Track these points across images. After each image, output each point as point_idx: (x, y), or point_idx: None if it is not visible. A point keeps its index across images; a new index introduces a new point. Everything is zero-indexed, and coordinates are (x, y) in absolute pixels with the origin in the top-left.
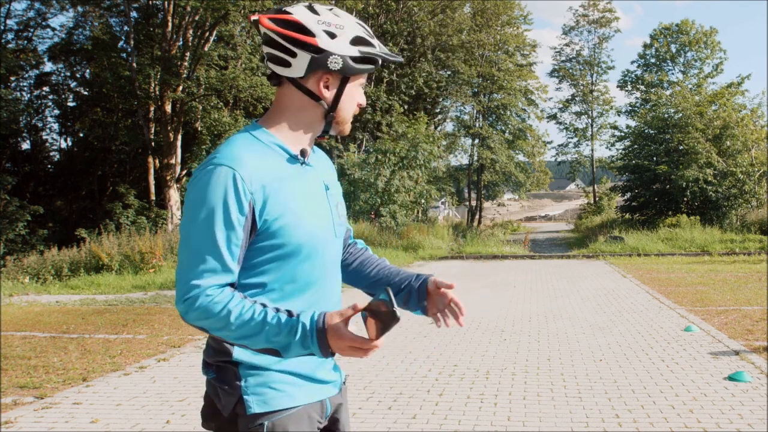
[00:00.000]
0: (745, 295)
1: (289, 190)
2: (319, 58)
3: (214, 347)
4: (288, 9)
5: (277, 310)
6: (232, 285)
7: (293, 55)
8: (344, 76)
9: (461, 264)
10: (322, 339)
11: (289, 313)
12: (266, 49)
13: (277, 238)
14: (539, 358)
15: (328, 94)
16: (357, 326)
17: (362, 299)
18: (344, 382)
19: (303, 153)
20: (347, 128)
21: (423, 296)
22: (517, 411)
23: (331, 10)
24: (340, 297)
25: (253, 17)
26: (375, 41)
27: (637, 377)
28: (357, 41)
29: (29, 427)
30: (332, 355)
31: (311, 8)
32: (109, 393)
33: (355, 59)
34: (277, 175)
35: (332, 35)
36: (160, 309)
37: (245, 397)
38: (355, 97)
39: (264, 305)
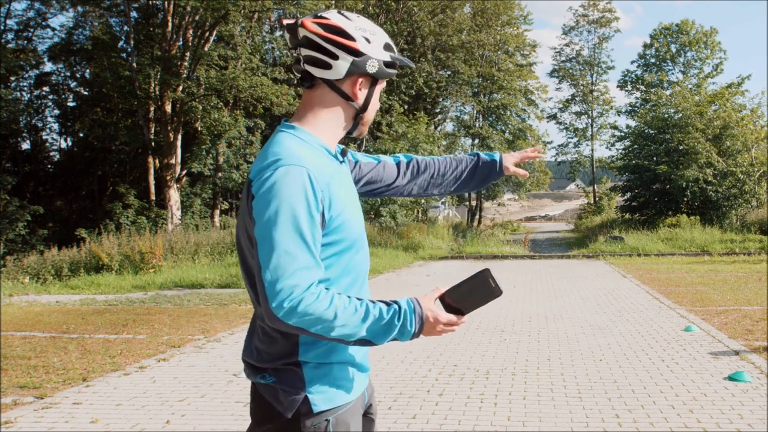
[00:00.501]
0: (745, 295)
1: (339, 187)
2: (359, 61)
3: (269, 351)
4: (325, 14)
5: (372, 301)
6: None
7: (335, 57)
8: (374, 79)
9: (461, 264)
10: (421, 322)
11: (385, 302)
12: (305, 52)
13: (338, 233)
14: (539, 358)
15: (361, 96)
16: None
17: (431, 285)
18: None
19: (343, 153)
20: (366, 130)
21: (501, 169)
22: (517, 411)
23: (359, 17)
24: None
25: (286, 21)
26: (395, 50)
27: (637, 377)
28: (387, 47)
29: (29, 427)
30: (417, 337)
31: (342, 14)
32: (109, 393)
33: (386, 64)
34: (331, 174)
35: (368, 40)
36: (160, 309)
37: (310, 396)
38: (377, 99)
39: (359, 299)
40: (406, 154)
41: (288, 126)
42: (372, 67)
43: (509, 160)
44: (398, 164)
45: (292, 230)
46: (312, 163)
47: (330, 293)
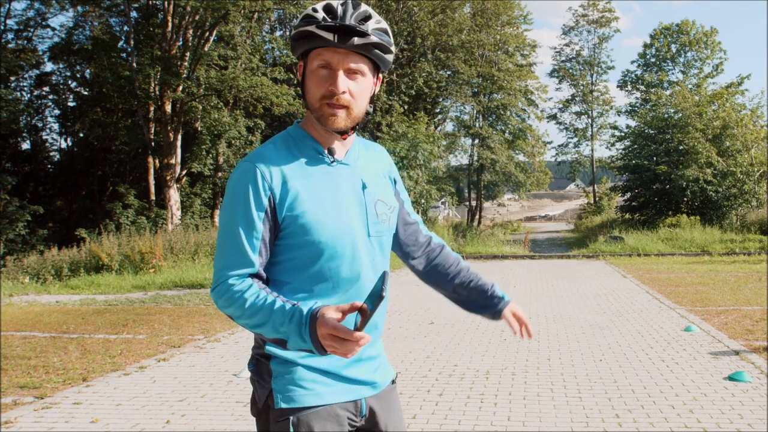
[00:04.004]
0: (745, 295)
1: (314, 188)
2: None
3: (256, 340)
4: None
5: (286, 300)
6: (256, 275)
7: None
8: (304, 59)
9: None
10: (314, 328)
11: (294, 304)
12: None
13: (300, 235)
14: (539, 358)
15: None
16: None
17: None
18: (393, 381)
19: (330, 151)
20: (326, 119)
21: (498, 318)
22: (517, 411)
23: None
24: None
25: None
26: (322, 15)
27: (637, 377)
28: (302, 20)
29: (29, 427)
30: (324, 350)
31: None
32: (109, 393)
33: (293, 38)
34: (304, 173)
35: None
36: (160, 309)
37: (274, 392)
38: (314, 79)
39: (276, 296)
40: (438, 238)
41: (294, 123)
42: (291, 49)
43: (512, 308)
44: (429, 240)
45: (230, 224)
46: (275, 161)
47: (247, 285)
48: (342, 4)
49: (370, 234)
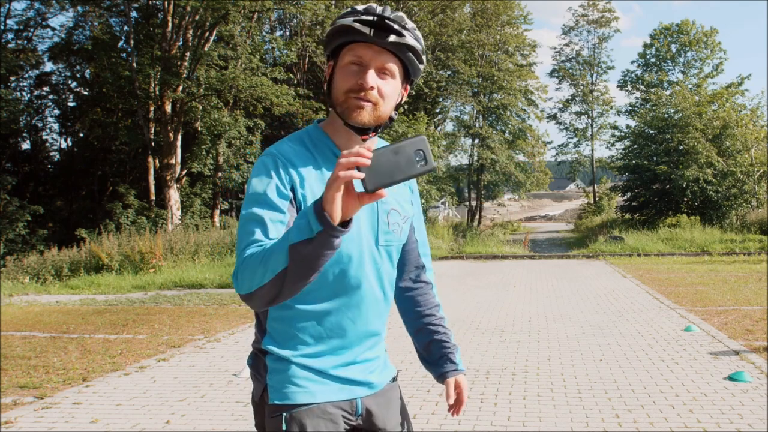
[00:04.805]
0: (745, 295)
1: (321, 186)
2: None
3: (255, 334)
4: None
5: None
6: None
7: None
8: (335, 58)
9: (461, 264)
10: (320, 201)
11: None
12: None
13: None
14: (539, 358)
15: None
16: None
17: None
18: (394, 379)
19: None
20: (351, 111)
21: (441, 381)
22: (517, 411)
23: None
24: (382, 310)
25: None
26: (362, 10)
27: (637, 377)
28: (339, 16)
29: (29, 427)
30: (325, 215)
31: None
32: (109, 393)
33: (328, 35)
34: (318, 174)
35: None
36: (160, 309)
37: (269, 388)
38: (343, 74)
39: None
40: (431, 274)
41: (312, 123)
42: (324, 46)
43: (459, 380)
44: (420, 268)
45: (253, 209)
46: (293, 153)
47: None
48: (382, 7)
49: (378, 243)
